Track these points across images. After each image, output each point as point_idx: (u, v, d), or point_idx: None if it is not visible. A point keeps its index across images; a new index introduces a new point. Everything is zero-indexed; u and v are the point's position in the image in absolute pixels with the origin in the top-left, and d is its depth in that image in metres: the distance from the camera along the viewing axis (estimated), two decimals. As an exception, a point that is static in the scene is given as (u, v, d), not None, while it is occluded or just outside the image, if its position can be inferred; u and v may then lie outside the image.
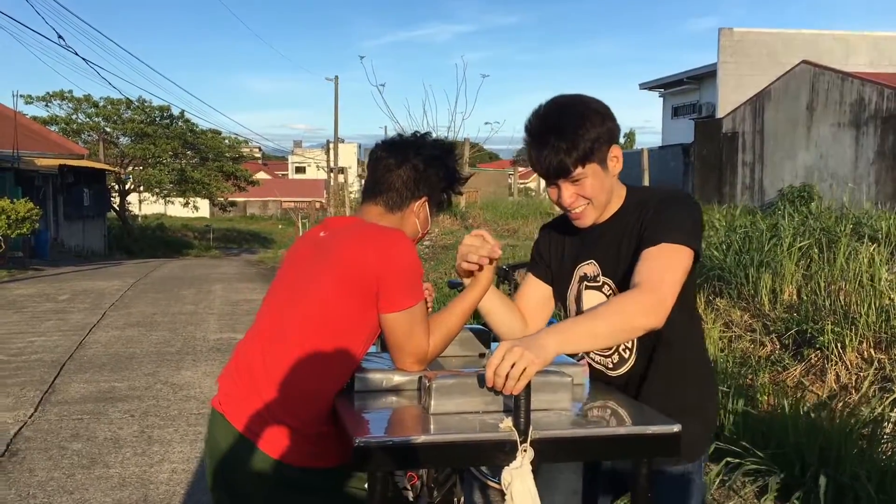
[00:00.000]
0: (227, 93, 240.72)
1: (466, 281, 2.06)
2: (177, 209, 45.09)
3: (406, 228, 2.08)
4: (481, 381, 1.73)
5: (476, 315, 2.18)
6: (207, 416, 2.07)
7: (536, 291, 2.19)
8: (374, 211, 2.08)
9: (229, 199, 43.15)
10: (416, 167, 2.08)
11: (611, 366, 2.06)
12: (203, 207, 48.25)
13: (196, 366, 7.30)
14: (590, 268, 2.06)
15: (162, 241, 37.85)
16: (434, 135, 2.20)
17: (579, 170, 1.91)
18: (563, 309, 2.18)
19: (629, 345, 2.01)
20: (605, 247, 2.02)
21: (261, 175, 58.83)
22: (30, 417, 5.53)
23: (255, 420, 1.92)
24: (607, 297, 2.01)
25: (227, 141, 40.84)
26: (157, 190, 37.79)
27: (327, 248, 1.97)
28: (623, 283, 1.96)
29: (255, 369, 1.95)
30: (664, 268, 1.82)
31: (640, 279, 1.81)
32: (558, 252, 2.16)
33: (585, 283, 2.07)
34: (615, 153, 1.96)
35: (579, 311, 2.08)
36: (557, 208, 2.06)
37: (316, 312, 1.91)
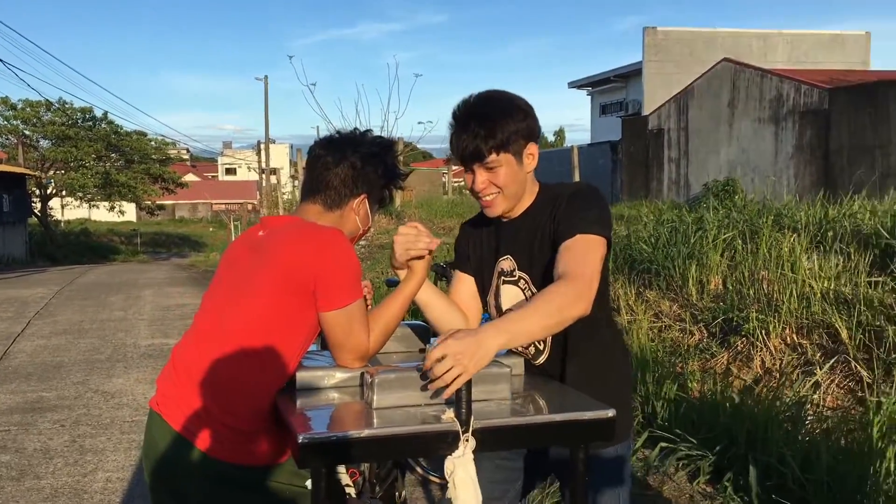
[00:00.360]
0: (153, 93, 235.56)
1: (401, 274, 2.10)
2: (102, 213, 43.86)
3: (345, 226, 2.09)
4: (423, 376, 1.77)
5: (414, 312, 2.21)
6: (145, 419, 2.05)
7: (466, 286, 2.25)
8: (312, 210, 2.08)
9: (157, 202, 42.14)
10: (354, 165, 2.07)
11: (530, 356, 2.13)
12: (129, 211, 47.08)
13: (128, 373, 7.14)
14: (507, 263, 2.13)
15: (87, 247, 36.73)
16: (373, 133, 2.20)
17: (493, 156, 2.00)
18: (484, 304, 2.24)
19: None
20: (520, 242, 2.10)
21: (189, 177, 57.65)
22: (-47, 431, 5.34)
23: (192, 420, 1.92)
24: (523, 290, 2.09)
25: (153, 143, 39.87)
26: (81, 194, 36.61)
27: (265, 248, 1.97)
28: (538, 276, 2.05)
29: (193, 369, 1.95)
30: (583, 256, 1.90)
31: (563, 270, 1.88)
32: (477, 248, 2.24)
33: (503, 278, 2.14)
34: (531, 150, 2.05)
35: (498, 306, 2.15)
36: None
37: (254, 313, 1.91)
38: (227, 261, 2.10)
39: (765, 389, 4.57)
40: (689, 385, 4.86)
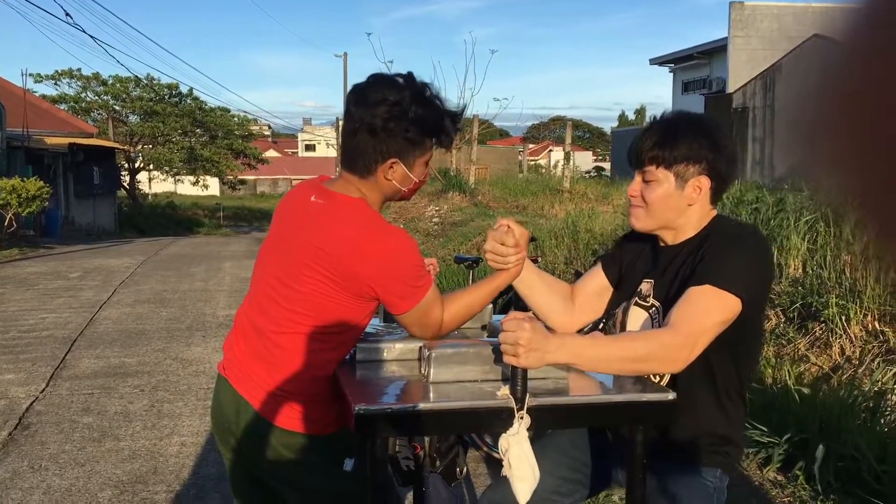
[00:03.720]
0: (236, 70, 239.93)
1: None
2: (186, 188, 45.11)
3: (384, 191, 1.97)
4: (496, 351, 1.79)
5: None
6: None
7: (597, 282, 2.20)
8: (349, 179, 1.97)
9: (239, 177, 43.16)
10: (374, 129, 1.87)
11: None
12: (213, 186, 48.26)
13: (206, 341, 7.36)
14: (646, 286, 2.06)
15: (172, 220, 37.86)
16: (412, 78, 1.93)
17: (651, 168, 1.93)
18: (609, 315, 2.16)
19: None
20: (667, 270, 2.01)
21: (270, 153, 58.77)
22: (41, 392, 5.61)
23: (250, 383, 1.98)
24: (652, 318, 2.01)
25: (236, 119, 40.76)
26: (167, 168, 37.81)
27: (317, 234, 1.89)
28: (668, 308, 1.92)
29: (251, 337, 2.00)
30: (700, 314, 1.79)
31: (675, 319, 1.80)
32: (631, 260, 2.15)
33: (636, 298, 2.07)
34: (700, 183, 1.92)
35: (623, 323, 2.07)
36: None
37: (308, 302, 1.91)
38: (280, 227, 2.04)
39: (842, 377, 4.41)
40: (763, 371, 4.73)
